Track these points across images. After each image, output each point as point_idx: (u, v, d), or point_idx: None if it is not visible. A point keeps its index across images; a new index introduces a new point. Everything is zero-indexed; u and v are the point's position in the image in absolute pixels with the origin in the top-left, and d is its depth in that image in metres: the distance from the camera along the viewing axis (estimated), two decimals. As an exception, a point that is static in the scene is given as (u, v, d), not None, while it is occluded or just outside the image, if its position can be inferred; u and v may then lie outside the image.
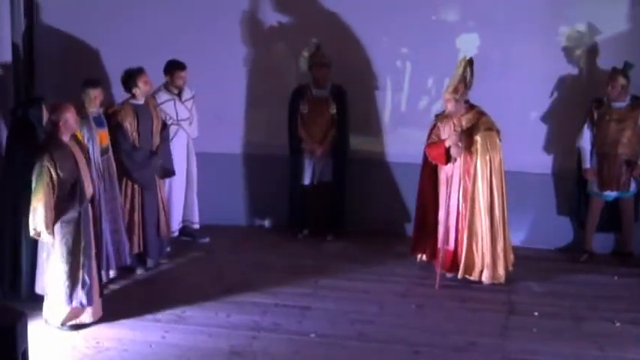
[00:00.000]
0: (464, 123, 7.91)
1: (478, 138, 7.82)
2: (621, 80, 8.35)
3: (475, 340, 7.03)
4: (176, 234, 8.95)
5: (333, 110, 9.04)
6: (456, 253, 8.04)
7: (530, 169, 8.92)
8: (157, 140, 8.29)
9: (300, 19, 9.20)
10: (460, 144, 7.82)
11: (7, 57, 8.87)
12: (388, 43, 9.12)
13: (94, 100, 7.77)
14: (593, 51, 8.81)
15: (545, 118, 8.98)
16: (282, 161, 9.22)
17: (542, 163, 8.99)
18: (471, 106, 7.98)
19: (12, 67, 8.91)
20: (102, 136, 7.84)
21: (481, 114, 7.95)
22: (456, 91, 7.86)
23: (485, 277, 7.95)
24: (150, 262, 8.32)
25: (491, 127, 7.89)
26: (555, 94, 8.91)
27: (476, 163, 7.82)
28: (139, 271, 8.25)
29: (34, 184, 6.79)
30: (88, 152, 7.49)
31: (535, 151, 8.98)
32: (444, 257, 8.03)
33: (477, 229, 7.90)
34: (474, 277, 8.00)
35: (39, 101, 7.62)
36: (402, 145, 9.19)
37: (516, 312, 7.60)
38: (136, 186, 8.19)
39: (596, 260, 8.75)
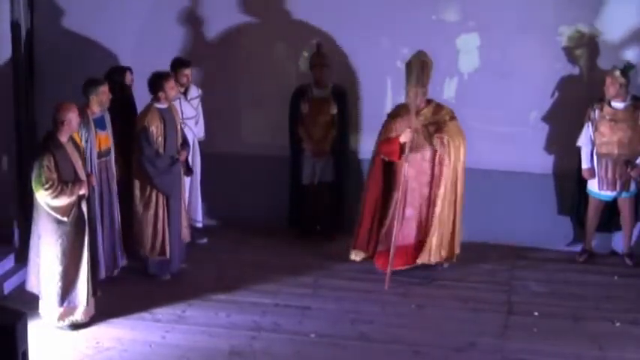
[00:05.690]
0: (424, 117, 7.99)
1: (447, 126, 7.97)
2: (620, 79, 8.35)
3: (475, 340, 7.04)
4: None
5: (334, 110, 9.03)
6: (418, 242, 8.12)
7: (530, 169, 8.92)
8: (179, 143, 8.22)
9: (300, 19, 9.19)
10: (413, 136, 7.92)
11: (7, 56, 8.85)
12: (388, 43, 9.11)
13: (102, 98, 7.66)
14: (593, 51, 8.80)
15: (545, 118, 8.97)
16: (282, 161, 9.22)
17: (542, 163, 8.99)
18: (428, 100, 8.12)
19: (12, 66, 8.90)
20: (101, 139, 7.74)
21: (441, 106, 8.14)
22: (419, 81, 7.91)
23: (436, 258, 8.06)
24: (173, 268, 8.22)
25: (453, 116, 8.09)
26: (555, 94, 8.91)
27: (449, 151, 7.91)
28: (165, 277, 8.18)
29: (34, 184, 6.80)
30: (84, 153, 7.45)
31: (535, 151, 8.97)
32: (398, 254, 8.03)
33: (442, 213, 7.99)
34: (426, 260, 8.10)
35: (123, 69, 8.41)
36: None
37: (516, 312, 7.61)
38: (160, 194, 8.04)
39: (596, 260, 8.75)
